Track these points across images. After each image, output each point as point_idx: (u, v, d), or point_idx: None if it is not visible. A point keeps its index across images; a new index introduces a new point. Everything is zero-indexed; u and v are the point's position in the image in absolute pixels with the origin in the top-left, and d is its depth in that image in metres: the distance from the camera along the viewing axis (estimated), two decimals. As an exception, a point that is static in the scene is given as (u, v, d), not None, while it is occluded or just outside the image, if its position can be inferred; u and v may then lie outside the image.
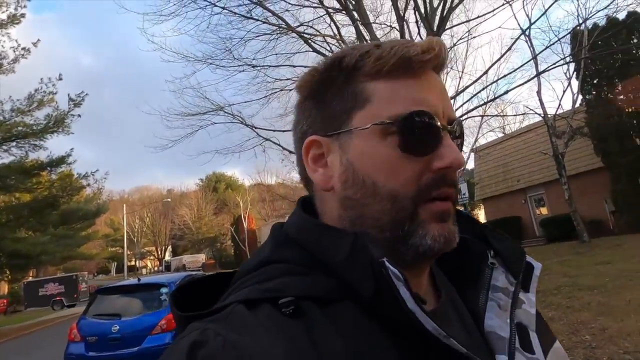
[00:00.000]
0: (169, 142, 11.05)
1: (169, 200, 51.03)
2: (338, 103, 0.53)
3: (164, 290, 6.75)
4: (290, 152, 11.23)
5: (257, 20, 9.44)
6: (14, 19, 15.31)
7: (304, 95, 0.57)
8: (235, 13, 9.23)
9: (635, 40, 15.24)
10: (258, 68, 10.05)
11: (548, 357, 0.55)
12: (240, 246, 50.36)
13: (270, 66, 10.20)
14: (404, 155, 0.49)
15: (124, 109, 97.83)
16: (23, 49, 15.59)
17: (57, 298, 24.65)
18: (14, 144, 15.58)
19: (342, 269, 0.48)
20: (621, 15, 12.85)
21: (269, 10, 9.41)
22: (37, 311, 23.38)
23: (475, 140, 17.06)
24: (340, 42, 9.61)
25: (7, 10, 15.20)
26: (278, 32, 9.68)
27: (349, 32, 10.21)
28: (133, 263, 56.02)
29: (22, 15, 15.53)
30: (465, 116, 10.77)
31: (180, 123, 10.79)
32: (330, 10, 10.09)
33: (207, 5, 9.60)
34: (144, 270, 53.52)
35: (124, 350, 6.11)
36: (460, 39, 11.69)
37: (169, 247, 61.45)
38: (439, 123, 0.50)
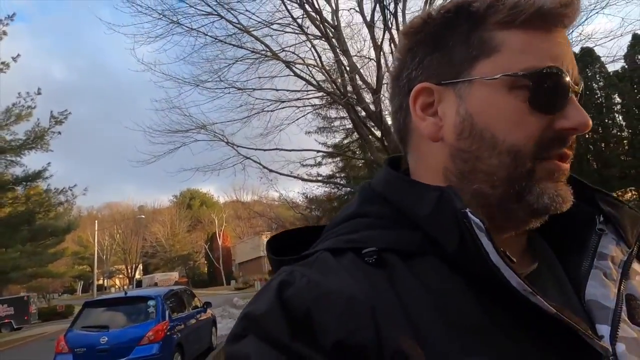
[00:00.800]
0: (152, 157, 11.22)
1: (142, 216, 49.98)
2: (461, 50, 0.50)
3: (151, 302, 6.98)
4: (270, 170, 11.61)
5: (245, 49, 9.97)
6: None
7: (416, 40, 0.54)
8: (225, 42, 9.74)
9: (589, 73, 16.66)
10: (243, 90, 10.51)
11: None
12: (214, 264, 49.65)
13: (254, 89, 10.66)
14: (532, 110, 0.47)
15: (93, 123, 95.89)
16: (2, 63, 15.63)
17: (6, 320, 22.96)
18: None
19: (426, 223, 0.48)
20: (576, 50, 14.09)
21: (256, 38, 9.94)
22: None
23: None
24: (321, 68, 10.20)
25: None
26: (263, 57, 10.21)
27: (328, 58, 10.82)
28: (101, 282, 54.31)
29: (4, 33, 15.63)
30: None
31: (163, 139, 11.02)
32: (311, 37, 10.70)
33: (191, 30, 10.07)
34: (112, 290, 51.88)
35: (113, 361, 6.31)
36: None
37: (140, 265, 59.97)
38: (570, 82, 0.48)
